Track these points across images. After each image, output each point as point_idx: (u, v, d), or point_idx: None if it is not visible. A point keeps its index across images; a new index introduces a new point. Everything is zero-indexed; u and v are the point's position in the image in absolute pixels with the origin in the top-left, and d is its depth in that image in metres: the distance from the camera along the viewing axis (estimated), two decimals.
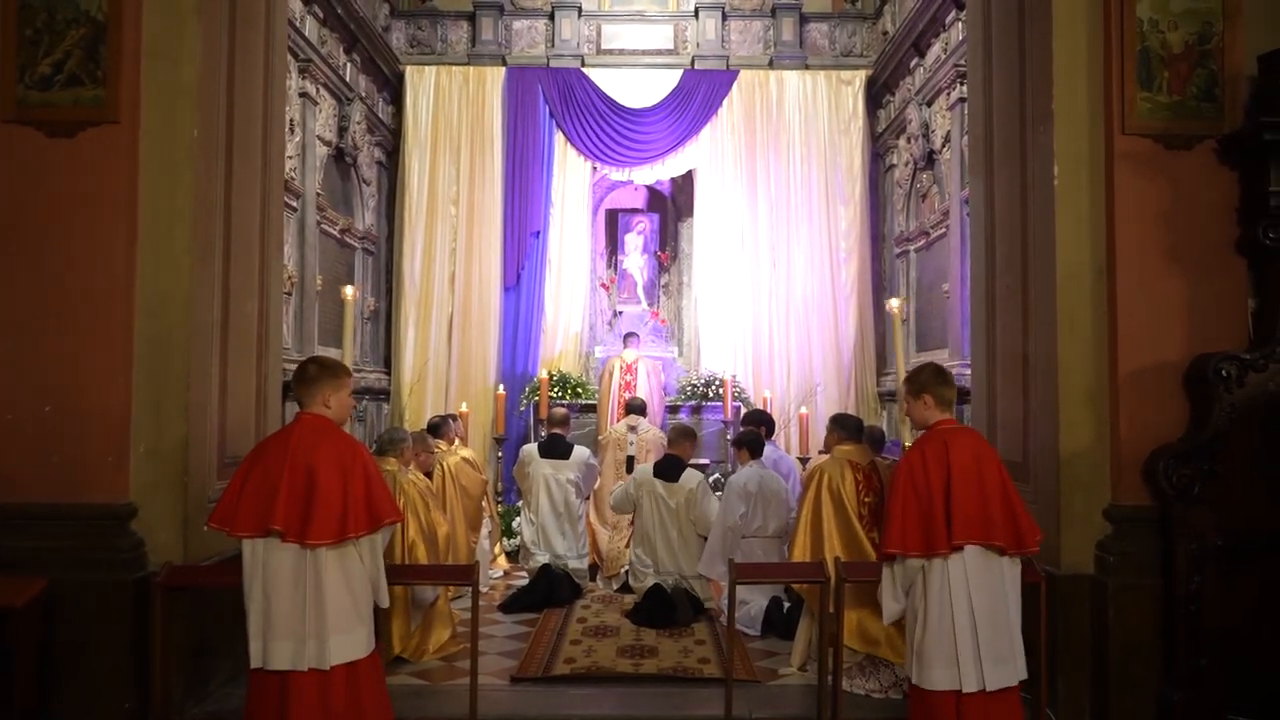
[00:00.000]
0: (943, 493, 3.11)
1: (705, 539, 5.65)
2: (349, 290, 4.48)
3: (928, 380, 3.36)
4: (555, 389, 8.95)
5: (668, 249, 10.69)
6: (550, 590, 6.03)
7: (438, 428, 6.39)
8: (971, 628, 3.07)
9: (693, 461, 6.27)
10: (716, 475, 8.35)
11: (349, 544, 3.05)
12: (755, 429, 6.08)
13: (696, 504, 5.66)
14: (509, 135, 9.74)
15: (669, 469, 5.84)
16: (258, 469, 3.10)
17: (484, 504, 6.56)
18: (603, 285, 10.43)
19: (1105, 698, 3.92)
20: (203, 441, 4.23)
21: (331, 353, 8.42)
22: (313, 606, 3.02)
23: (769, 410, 8.37)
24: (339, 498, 3.02)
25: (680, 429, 6.20)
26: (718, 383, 9.06)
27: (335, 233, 8.61)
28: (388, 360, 9.70)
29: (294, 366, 7.28)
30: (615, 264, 10.56)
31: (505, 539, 7.56)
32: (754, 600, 5.39)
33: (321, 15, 7.95)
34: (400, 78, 9.80)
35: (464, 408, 8.27)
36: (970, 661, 3.06)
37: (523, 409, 9.24)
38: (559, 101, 9.76)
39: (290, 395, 6.67)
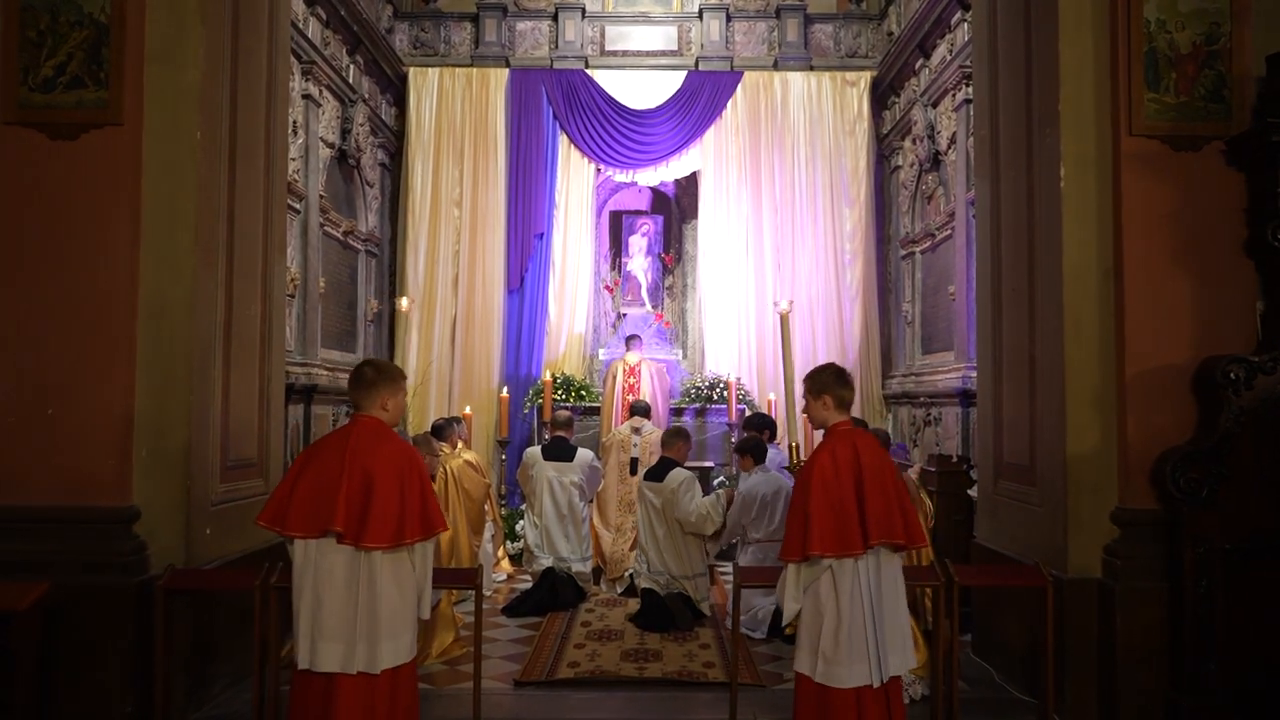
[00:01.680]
0: (854, 493, 3.13)
1: (697, 537, 5.63)
2: (404, 302, 4.39)
3: (829, 381, 3.36)
4: (559, 391, 8.94)
5: (672, 251, 10.67)
6: (554, 593, 6.01)
7: (441, 430, 6.37)
8: (875, 624, 3.12)
9: (698, 465, 6.25)
10: (722, 478, 8.33)
11: (402, 550, 3.05)
12: (757, 434, 6.05)
13: (677, 501, 5.63)
14: (512, 137, 9.73)
15: (658, 470, 5.83)
16: (311, 469, 3.08)
17: (487, 507, 6.54)
18: (606, 287, 10.42)
19: (1112, 703, 3.89)
20: (205, 444, 4.22)
21: (335, 356, 8.43)
22: (365, 610, 3.00)
23: (773, 413, 8.35)
24: (396, 503, 3.01)
25: (673, 430, 6.18)
26: (722, 385, 9.04)
27: (338, 235, 8.61)
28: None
29: (297, 370, 7.37)
30: (619, 266, 10.54)
31: (509, 542, 7.54)
32: (760, 603, 5.36)
33: (324, 17, 7.95)
34: (403, 79, 9.79)
35: (467, 410, 8.26)
36: (875, 657, 3.11)
37: (526, 411, 9.23)
38: (563, 103, 9.75)
39: (292, 399, 6.64)
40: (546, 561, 6.22)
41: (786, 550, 3.21)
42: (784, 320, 4.27)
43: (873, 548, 3.15)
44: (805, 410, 3.43)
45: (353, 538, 2.98)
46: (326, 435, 3.35)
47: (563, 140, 9.82)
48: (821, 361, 9.35)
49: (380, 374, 3.23)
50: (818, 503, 3.13)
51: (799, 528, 3.16)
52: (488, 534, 6.63)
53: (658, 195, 10.79)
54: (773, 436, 6.57)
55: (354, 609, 3.00)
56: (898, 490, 3.23)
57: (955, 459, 6.26)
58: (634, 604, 5.92)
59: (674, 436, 6.06)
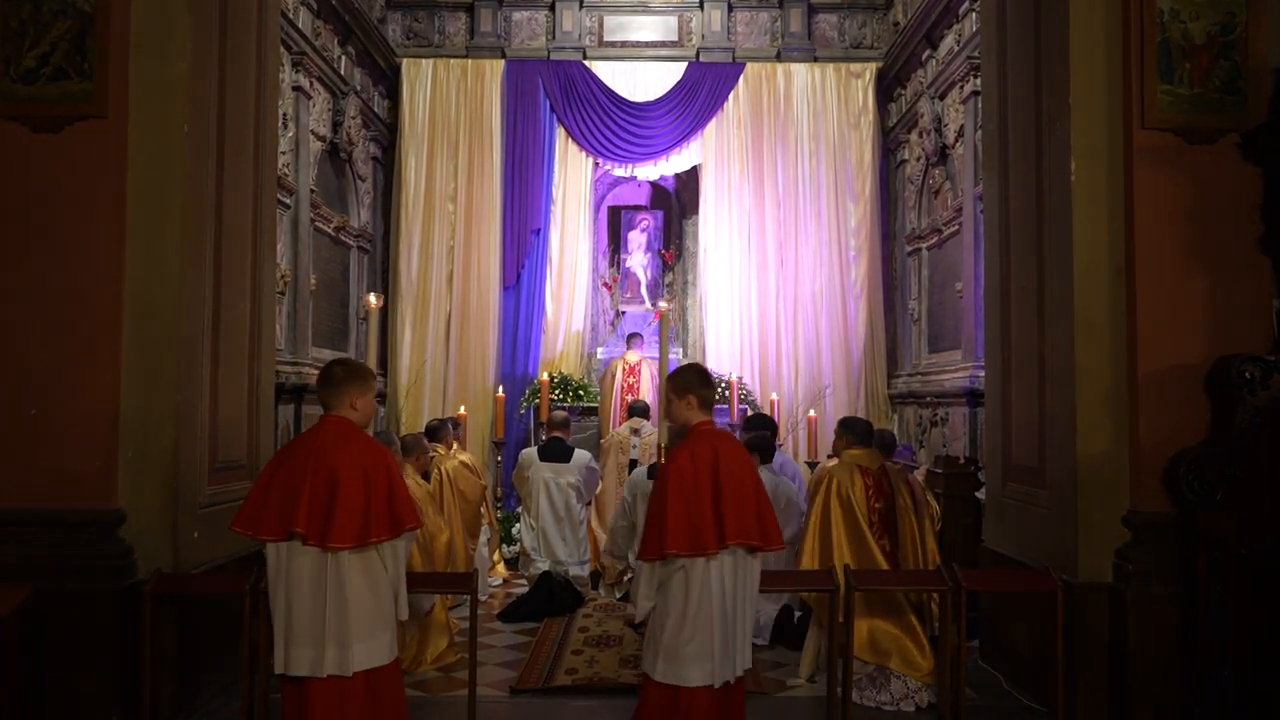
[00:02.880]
0: (711, 494, 3.12)
1: None
2: (373, 298, 4.38)
3: (692, 381, 3.34)
4: (556, 391, 8.84)
5: (672, 247, 10.57)
6: (551, 598, 5.93)
7: (436, 431, 6.29)
8: (722, 624, 3.12)
9: None
10: None
11: (371, 549, 3.02)
12: (765, 433, 5.96)
13: None
14: (508, 130, 9.62)
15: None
16: (281, 471, 3.07)
17: (483, 510, 6.45)
18: (605, 284, 10.32)
19: (1124, 711, 3.83)
20: (193, 445, 4.14)
21: (327, 354, 8.33)
22: (334, 612, 2.98)
23: (775, 413, 8.26)
24: (361, 501, 2.98)
25: (679, 430, 6.08)
26: (723, 384, 8.94)
27: (330, 230, 8.50)
28: (384, 361, 9.59)
29: (288, 369, 7.27)
30: (618, 262, 10.44)
31: (505, 545, 7.46)
32: (762, 609, 5.27)
33: (315, 6, 7.84)
34: (396, 71, 9.68)
35: (462, 410, 8.16)
36: (721, 658, 3.12)
37: (523, 411, 9.14)
38: (560, 95, 9.64)
39: (282, 399, 6.52)
40: (543, 565, 6.14)
41: (644, 550, 3.20)
42: (663, 319, 4.24)
43: (728, 548, 3.12)
44: (667, 410, 3.40)
45: (318, 539, 2.95)
46: (296, 437, 3.33)
47: (560, 134, 9.72)
48: (826, 361, 9.45)
49: (349, 373, 3.21)
50: (675, 502, 3.11)
51: (655, 527, 3.15)
52: (483, 537, 6.55)
53: (657, 190, 10.68)
54: (773, 437, 6.46)
55: (323, 611, 2.97)
56: (756, 491, 3.21)
57: (962, 460, 6.18)
58: (633, 609, 5.83)
59: (680, 437, 5.96)
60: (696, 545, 3.10)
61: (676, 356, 9.71)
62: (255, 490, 3.11)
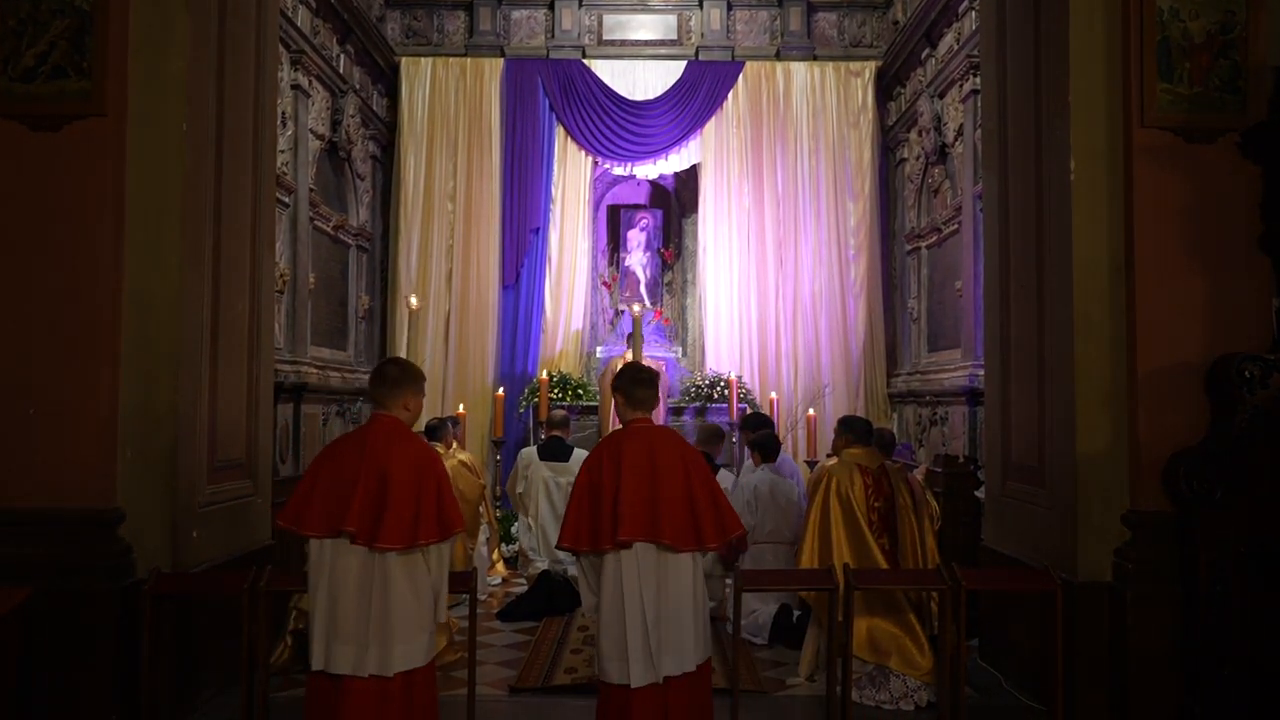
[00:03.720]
0: (612, 490, 3.14)
1: None
2: (413, 299, 4.38)
3: (621, 382, 3.40)
4: (555, 390, 8.83)
5: (671, 246, 10.56)
6: (550, 597, 5.92)
7: (435, 430, 6.27)
8: (642, 623, 3.09)
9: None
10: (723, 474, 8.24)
11: (417, 552, 3.01)
12: (770, 431, 5.97)
13: None
14: (507, 129, 9.61)
15: None
16: (328, 468, 3.07)
17: (482, 509, 6.44)
18: (604, 283, 10.30)
19: (1124, 710, 3.83)
20: (192, 444, 4.13)
21: (325, 354, 8.33)
22: (378, 611, 2.97)
23: (775, 412, 8.25)
24: (411, 504, 2.98)
25: (709, 430, 6.16)
26: (723, 384, 8.94)
27: (329, 229, 8.49)
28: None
29: (287, 368, 7.26)
30: (617, 261, 10.43)
31: (504, 545, 7.44)
32: (762, 608, 5.27)
33: (314, 5, 7.82)
34: (395, 69, 9.66)
35: (461, 409, 8.15)
36: (640, 657, 3.09)
37: (522, 411, 9.12)
38: (559, 94, 9.62)
39: (281, 397, 6.51)
40: (542, 565, 6.13)
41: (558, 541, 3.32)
42: (636, 322, 4.34)
43: (625, 544, 3.11)
44: (616, 407, 3.46)
45: (366, 538, 2.95)
46: (346, 434, 3.31)
47: (559, 132, 9.70)
48: (825, 360, 9.45)
49: (404, 373, 3.22)
50: (581, 499, 3.20)
51: (563, 523, 3.26)
52: (482, 537, 6.54)
53: (657, 189, 10.67)
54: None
55: (367, 611, 2.96)
56: (686, 491, 3.17)
57: (962, 459, 6.18)
58: None
59: (711, 437, 6.00)
60: (595, 542, 3.13)
61: (675, 356, 9.70)
62: (301, 485, 3.11)
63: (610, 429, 7.85)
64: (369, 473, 2.97)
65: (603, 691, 3.21)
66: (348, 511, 2.94)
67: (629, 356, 8.66)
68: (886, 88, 9.78)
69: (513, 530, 7.29)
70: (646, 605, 3.11)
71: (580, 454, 6.43)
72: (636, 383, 3.37)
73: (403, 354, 9.34)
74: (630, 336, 9.14)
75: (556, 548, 3.50)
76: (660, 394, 3.52)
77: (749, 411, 8.00)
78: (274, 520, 5.13)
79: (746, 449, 6.18)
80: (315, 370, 7.80)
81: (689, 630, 3.18)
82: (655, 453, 3.20)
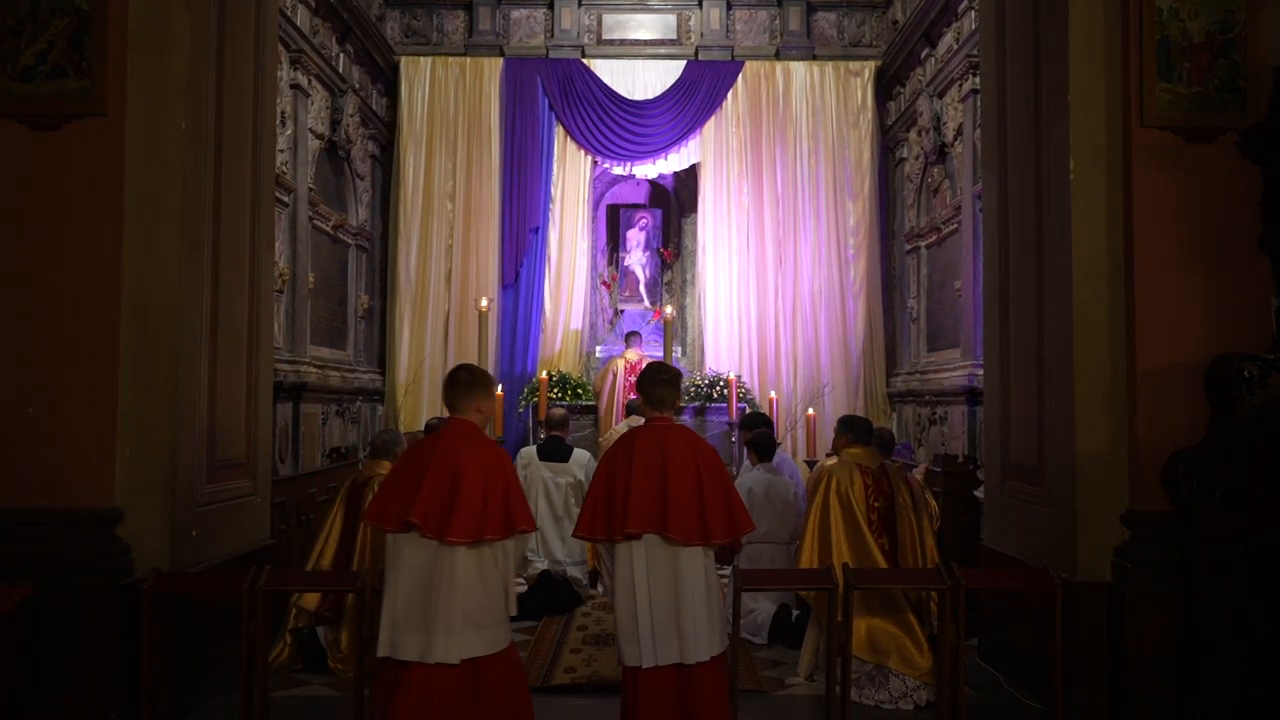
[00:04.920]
0: (624, 484, 3.31)
1: None
2: (484, 301, 4.42)
3: (644, 381, 3.57)
4: (554, 389, 8.82)
5: (670, 245, 10.56)
6: (549, 597, 5.92)
7: (435, 430, 6.26)
8: (649, 609, 3.27)
9: None
10: None
11: (484, 546, 3.16)
12: (766, 430, 5.96)
13: None
14: (507, 128, 9.61)
15: None
16: (409, 468, 3.26)
17: None
18: (603, 283, 10.31)
19: (1123, 710, 3.82)
20: (191, 444, 4.12)
21: (325, 353, 8.33)
22: (445, 602, 3.10)
23: (774, 411, 8.25)
24: (479, 501, 3.14)
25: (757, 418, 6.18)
26: (722, 383, 8.94)
27: (328, 229, 8.49)
28: (382, 360, 9.58)
29: (286, 367, 7.26)
30: (616, 261, 10.43)
31: None
32: (760, 607, 5.27)
33: (313, 4, 7.82)
34: (395, 69, 9.66)
35: None
36: (648, 640, 3.26)
37: (521, 410, 9.11)
38: (558, 93, 9.62)
39: (280, 397, 6.52)
40: (541, 565, 6.13)
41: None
42: (667, 325, 4.39)
43: (634, 535, 3.27)
44: (640, 407, 3.63)
45: (435, 532, 3.11)
46: (425, 438, 3.52)
47: (559, 132, 9.71)
48: (824, 360, 9.45)
49: (475, 379, 3.40)
50: (598, 492, 3.40)
51: (580, 514, 3.47)
52: None
53: (656, 189, 10.67)
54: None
55: (435, 601, 3.10)
56: (696, 488, 3.30)
57: (961, 459, 6.18)
58: None
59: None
60: (605, 532, 3.34)
61: (674, 355, 9.70)
62: (386, 484, 3.33)
63: (609, 428, 7.87)
64: (440, 471, 3.15)
65: (623, 673, 3.40)
66: (413, 505, 3.11)
67: (630, 356, 8.67)
68: (886, 87, 9.78)
69: None
70: (654, 594, 3.26)
71: (580, 454, 6.42)
72: (657, 383, 3.51)
73: (403, 353, 9.36)
74: (629, 336, 9.15)
75: (573, 536, 3.66)
76: (679, 393, 3.64)
77: (749, 411, 8.00)
78: (277, 520, 5.15)
79: (745, 449, 6.18)
80: (314, 370, 7.80)
81: (701, 621, 3.29)
82: (667, 450, 3.34)
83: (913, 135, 9.18)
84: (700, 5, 10.04)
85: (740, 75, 9.68)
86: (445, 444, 3.22)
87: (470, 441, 3.24)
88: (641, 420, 7.40)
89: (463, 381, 3.35)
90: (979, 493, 5.43)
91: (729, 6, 10.03)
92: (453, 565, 3.12)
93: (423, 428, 6.62)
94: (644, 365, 8.73)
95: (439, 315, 9.51)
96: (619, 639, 3.36)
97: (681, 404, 8.91)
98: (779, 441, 7.08)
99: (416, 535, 3.12)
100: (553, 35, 10.03)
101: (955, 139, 8.04)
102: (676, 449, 3.35)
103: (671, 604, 3.27)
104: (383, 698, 3.19)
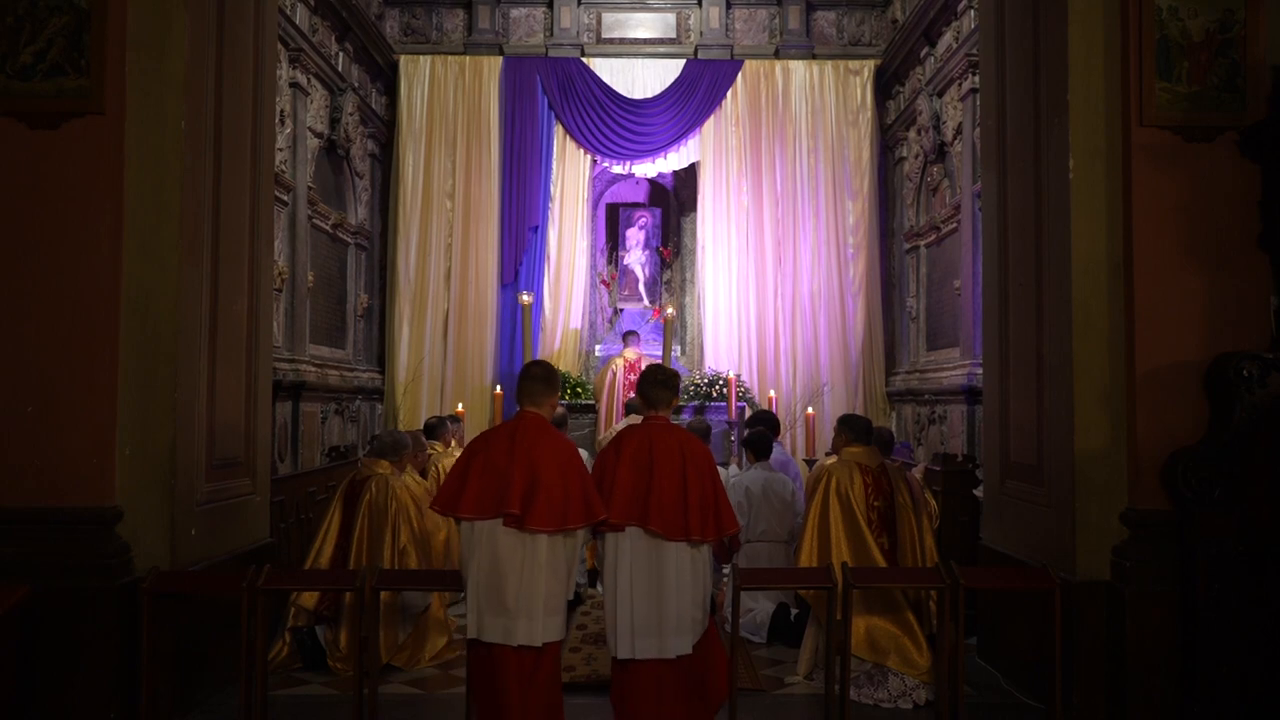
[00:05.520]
0: (611, 478, 3.44)
1: None
2: (525, 297, 4.52)
3: (642, 383, 3.70)
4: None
5: (670, 244, 10.56)
6: None
7: (434, 429, 6.27)
8: (629, 601, 3.38)
9: None
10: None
11: (561, 535, 3.30)
12: (762, 429, 5.96)
13: None
14: (506, 127, 9.60)
15: None
16: (480, 459, 3.35)
17: None
18: (603, 282, 10.30)
19: (1122, 709, 3.82)
20: (191, 443, 4.12)
21: (324, 352, 8.33)
22: (529, 588, 3.25)
23: (773, 410, 8.24)
24: (560, 491, 3.28)
25: (695, 427, 6.14)
26: (722, 382, 8.94)
27: (327, 227, 8.49)
28: (381, 359, 9.58)
29: (285, 366, 7.26)
30: (616, 260, 10.42)
31: None
32: (759, 606, 5.27)
33: (312, 3, 7.82)
34: (394, 67, 9.65)
35: (460, 408, 8.14)
36: (626, 631, 3.37)
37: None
38: (558, 92, 9.62)
39: (280, 396, 6.52)
40: None
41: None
42: (668, 325, 4.46)
43: (617, 527, 3.38)
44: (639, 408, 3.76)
45: (517, 522, 3.25)
46: (494, 429, 3.60)
47: (558, 131, 9.70)
48: (824, 359, 9.46)
49: (549, 375, 3.56)
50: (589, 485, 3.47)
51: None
52: None
53: (655, 187, 10.66)
54: (775, 434, 6.43)
55: (517, 587, 3.25)
56: (681, 486, 3.39)
57: (960, 458, 6.17)
58: None
59: (697, 434, 6.01)
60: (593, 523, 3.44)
61: (675, 355, 9.70)
62: (453, 474, 3.42)
63: (608, 428, 7.86)
64: (521, 462, 3.27)
65: (612, 663, 3.51)
66: (508, 496, 3.23)
67: (629, 356, 8.67)
68: (885, 86, 9.77)
69: None
70: (635, 586, 3.37)
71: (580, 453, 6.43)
72: (653, 384, 3.64)
73: (402, 352, 9.37)
74: (627, 335, 9.15)
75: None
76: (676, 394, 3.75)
77: (748, 410, 8.00)
78: (276, 519, 5.15)
79: (742, 449, 6.18)
80: (314, 368, 7.80)
81: (685, 617, 3.40)
82: (655, 447, 3.44)
83: (912, 134, 9.18)
84: (700, 4, 10.03)
85: (740, 74, 9.68)
86: (521, 436, 3.34)
87: (544, 434, 3.37)
88: (640, 419, 7.47)
89: (540, 377, 3.49)
90: (978, 492, 5.43)
91: (728, 5, 10.02)
92: (535, 553, 3.26)
93: (422, 427, 6.61)
94: (643, 365, 8.76)
95: (438, 314, 9.50)
96: (607, 630, 3.47)
97: (680, 403, 8.92)
98: (779, 441, 7.08)
99: (500, 524, 3.24)
100: (552, 34, 10.02)
101: (955, 138, 8.04)
102: (664, 447, 3.45)
103: (654, 598, 3.36)
104: (476, 676, 3.37)
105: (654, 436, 3.49)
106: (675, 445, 3.48)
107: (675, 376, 3.76)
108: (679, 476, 3.40)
